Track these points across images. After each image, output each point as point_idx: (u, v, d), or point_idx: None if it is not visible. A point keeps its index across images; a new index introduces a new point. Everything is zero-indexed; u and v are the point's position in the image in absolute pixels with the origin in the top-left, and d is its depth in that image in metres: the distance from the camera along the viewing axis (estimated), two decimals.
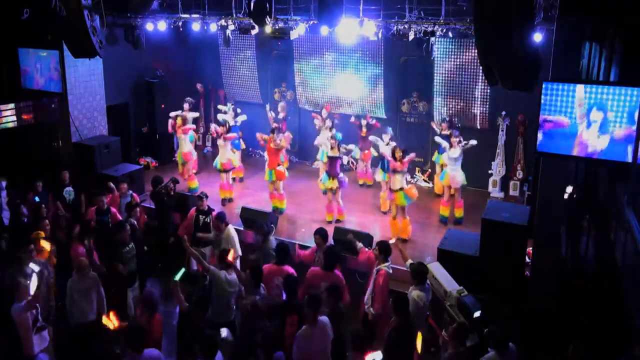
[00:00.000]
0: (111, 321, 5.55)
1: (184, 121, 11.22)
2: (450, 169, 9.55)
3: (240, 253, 7.70)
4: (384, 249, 6.53)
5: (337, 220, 9.66)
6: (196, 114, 11.92)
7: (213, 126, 11.04)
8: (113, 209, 8.30)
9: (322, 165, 10.73)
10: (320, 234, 7.09)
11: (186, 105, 11.62)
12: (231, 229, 7.72)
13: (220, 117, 11.48)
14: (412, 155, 9.05)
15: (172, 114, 11.40)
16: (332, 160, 9.57)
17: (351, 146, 9.93)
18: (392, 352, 5.26)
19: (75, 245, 7.14)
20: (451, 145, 9.47)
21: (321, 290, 5.98)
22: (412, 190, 9.02)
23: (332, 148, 9.56)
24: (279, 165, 9.95)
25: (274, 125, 10.98)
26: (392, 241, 6.84)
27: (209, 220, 7.97)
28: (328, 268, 6.45)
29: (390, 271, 6.51)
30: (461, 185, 9.57)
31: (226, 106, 12.13)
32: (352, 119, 11.31)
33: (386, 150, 9.53)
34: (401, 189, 8.91)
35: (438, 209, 10.07)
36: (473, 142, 9.35)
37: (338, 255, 6.69)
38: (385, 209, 10.04)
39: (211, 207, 8.18)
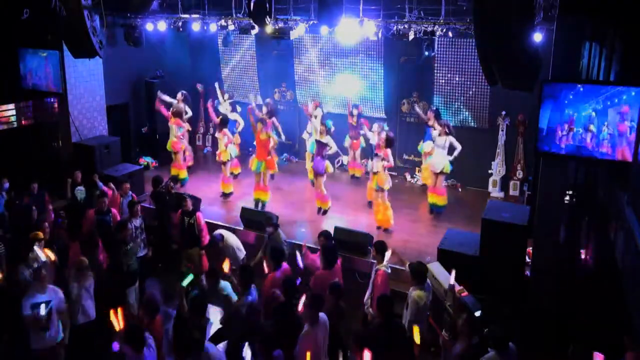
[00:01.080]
0: (117, 320, 5.59)
1: (179, 113, 11.20)
2: (435, 154, 9.57)
3: (240, 257, 7.76)
4: (381, 249, 6.54)
5: (324, 211, 9.60)
6: (189, 113, 11.86)
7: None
8: (114, 210, 8.29)
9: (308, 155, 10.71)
10: (325, 235, 7.08)
11: (179, 95, 11.60)
12: (227, 240, 7.78)
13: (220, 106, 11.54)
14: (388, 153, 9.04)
15: (163, 97, 11.39)
16: (319, 145, 9.57)
17: (333, 147, 9.75)
18: (377, 351, 5.26)
19: (75, 245, 7.15)
20: (435, 130, 9.56)
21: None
22: (382, 177, 9.00)
23: (321, 133, 9.57)
24: (268, 155, 9.91)
25: (261, 115, 10.72)
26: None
27: (193, 222, 7.97)
28: (330, 266, 6.46)
29: (389, 271, 6.51)
30: (442, 172, 9.57)
31: (224, 98, 12.17)
32: (349, 108, 11.27)
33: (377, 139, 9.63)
34: (376, 172, 8.99)
35: None
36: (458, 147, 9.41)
37: (336, 251, 6.69)
38: (371, 198, 10.05)
39: (195, 208, 8.17)
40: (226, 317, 6.20)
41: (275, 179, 11.31)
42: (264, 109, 10.91)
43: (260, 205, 10.08)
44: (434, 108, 10.61)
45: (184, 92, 11.79)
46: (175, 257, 8.27)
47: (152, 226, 8.82)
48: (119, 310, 5.66)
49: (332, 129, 9.78)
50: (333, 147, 9.66)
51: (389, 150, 8.97)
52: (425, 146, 9.98)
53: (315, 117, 10.69)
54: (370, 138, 10.03)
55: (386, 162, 8.93)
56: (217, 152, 10.75)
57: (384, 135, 9.00)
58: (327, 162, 9.65)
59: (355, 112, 11.14)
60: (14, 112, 10.78)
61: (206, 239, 7.98)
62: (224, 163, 10.69)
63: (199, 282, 6.79)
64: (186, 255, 7.98)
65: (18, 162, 10.36)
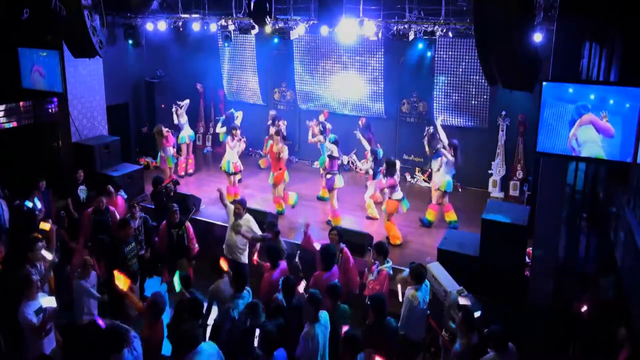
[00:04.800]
0: (122, 281, 5.71)
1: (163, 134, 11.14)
2: (437, 173, 9.56)
3: (259, 232, 7.63)
4: (382, 250, 6.53)
5: (327, 221, 9.60)
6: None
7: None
8: (112, 209, 8.26)
9: (322, 171, 10.71)
10: (338, 232, 7.02)
11: (182, 106, 11.86)
12: (249, 215, 7.70)
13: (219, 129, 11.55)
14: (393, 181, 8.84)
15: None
16: (330, 159, 9.56)
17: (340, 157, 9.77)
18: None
19: (78, 245, 7.16)
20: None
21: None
22: (390, 205, 8.88)
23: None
24: (280, 169, 9.85)
25: (275, 128, 10.85)
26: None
27: (182, 233, 7.63)
28: (328, 268, 6.45)
29: (391, 272, 6.50)
30: (444, 190, 9.32)
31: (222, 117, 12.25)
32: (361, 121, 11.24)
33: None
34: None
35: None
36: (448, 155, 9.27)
37: (334, 253, 6.63)
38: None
39: (183, 218, 7.79)
40: (218, 319, 6.17)
41: None
42: (272, 129, 10.97)
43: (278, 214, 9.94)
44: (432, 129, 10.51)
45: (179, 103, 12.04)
46: (174, 258, 8.25)
47: (152, 226, 8.81)
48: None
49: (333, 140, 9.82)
50: (342, 158, 9.75)
51: (395, 179, 8.78)
52: (433, 164, 9.92)
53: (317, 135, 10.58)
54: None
55: (392, 190, 8.82)
56: (233, 162, 10.42)
57: (383, 168, 8.86)
58: (338, 177, 9.64)
59: (360, 123, 11.05)
60: (13, 112, 10.78)
61: (195, 249, 7.81)
62: (235, 173, 10.58)
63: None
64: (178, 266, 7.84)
65: (18, 162, 10.35)
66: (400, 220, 9.37)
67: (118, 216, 8.16)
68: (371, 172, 9.63)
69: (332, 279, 6.28)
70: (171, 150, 11.17)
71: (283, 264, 6.66)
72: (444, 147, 9.34)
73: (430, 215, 9.70)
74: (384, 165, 8.83)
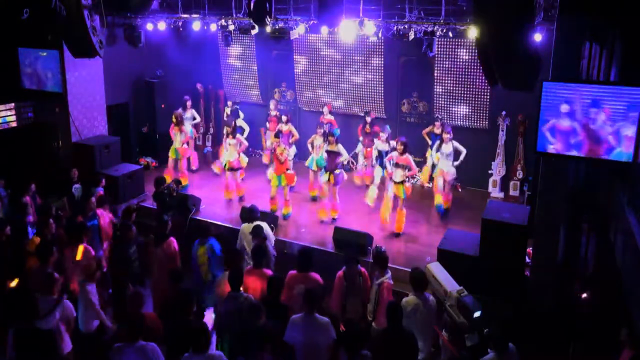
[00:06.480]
0: None
1: (180, 121, 11.15)
2: (444, 164, 9.76)
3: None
4: (382, 261, 6.30)
5: (332, 219, 9.62)
6: (197, 119, 12.23)
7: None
8: (99, 211, 8.02)
9: (311, 173, 10.65)
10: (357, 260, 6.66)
11: (188, 104, 11.94)
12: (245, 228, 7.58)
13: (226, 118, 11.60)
14: (414, 169, 9.29)
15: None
16: (330, 154, 9.56)
17: (344, 156, 9.71)
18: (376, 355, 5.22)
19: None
20: (442, 141, 9.71)
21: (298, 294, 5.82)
22: (406, 186, 9.18)
23: (330, 143, 9.54)
24: (287, 170, 9.77)
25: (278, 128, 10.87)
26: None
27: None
28: (302, 269, 6.22)
29: (392, 282, 6.37)
30: (452, 179, 9.92)
31: (227, 107, 12.25)
32: (366, 126, 11.14)
33: (383, 148, 9.98)
34: (402, 182, 9.01)
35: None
36: (463, 151, 9.75)
37: (311, 255, 6.38)
38: (371, 202, 10.01)
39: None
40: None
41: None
42: (284, 118, 11.16)
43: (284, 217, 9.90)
44: (440, 117, 10.65)
45: (187, 97, 12.07)
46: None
47: (152, 226, 8.80)
48: None
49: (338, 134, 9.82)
50: (345, 156, 9.61)
51: (409, 157, 9.00)
52: (437, 155, 9.97)
53: (320, 135, 10.55)
54: (378, 145, 10.18)
55: (409, 170, 9.04)
56: (231, 160, 10.40)
57: (399, 145, 8.98)
58: (343, 172, 9.67)
59: (368, 119, 10.99)
60: (13, 112, 10.79)
61: None
62: (237, 169, 10.56)
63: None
64: None
65: (18, 162, 10.35)
66: None
67: (105, 218, 8.09)
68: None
69: (305, 282, 6.02)
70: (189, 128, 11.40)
71: (267, 270, 6.48)
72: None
73: (446, 204, 10.03)
74: (399, 146, 9.00)
